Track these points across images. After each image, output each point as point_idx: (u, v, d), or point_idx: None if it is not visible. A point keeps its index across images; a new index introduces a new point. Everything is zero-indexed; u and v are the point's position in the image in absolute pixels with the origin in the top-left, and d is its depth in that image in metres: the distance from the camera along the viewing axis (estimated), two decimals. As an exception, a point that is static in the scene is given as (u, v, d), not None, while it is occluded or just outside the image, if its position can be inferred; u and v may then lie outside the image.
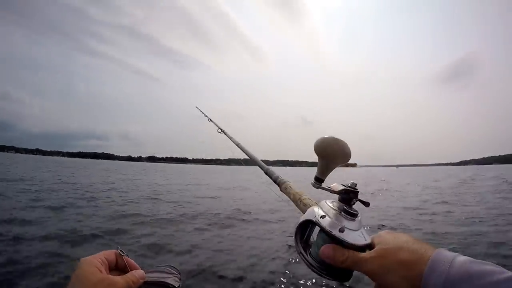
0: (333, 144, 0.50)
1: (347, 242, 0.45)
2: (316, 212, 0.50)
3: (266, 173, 0.87)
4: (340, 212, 0.48)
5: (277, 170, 0.85)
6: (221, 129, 1.29)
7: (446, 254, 0.38)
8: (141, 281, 0.51)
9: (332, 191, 0.50)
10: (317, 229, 0.49)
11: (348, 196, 0.49)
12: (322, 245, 0.47)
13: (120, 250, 0.54)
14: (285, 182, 0.75)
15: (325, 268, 0.47)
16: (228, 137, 1.21)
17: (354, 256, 0.44)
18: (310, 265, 0.49)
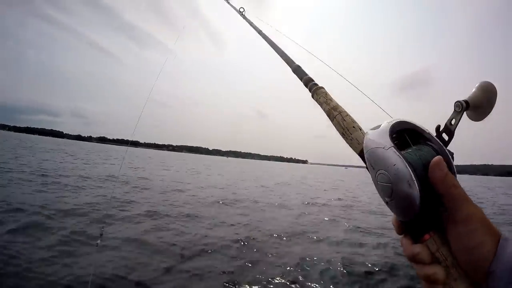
0: (494, 93, 0.48)
1: (454, 171, 0.40)
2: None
3: (295, 72, 0.67)
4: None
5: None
6: (241, 11, 1.13)
7: None
8: None
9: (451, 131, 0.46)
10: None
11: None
12: (425, 155, 0.40)
13: None
14: (320, 88, 0.58)
15: (418, 174, 0.38)
16: (248, 22, 1.04)
17: (459, 186, 0.39)
18: (403, 161, 0.38)
